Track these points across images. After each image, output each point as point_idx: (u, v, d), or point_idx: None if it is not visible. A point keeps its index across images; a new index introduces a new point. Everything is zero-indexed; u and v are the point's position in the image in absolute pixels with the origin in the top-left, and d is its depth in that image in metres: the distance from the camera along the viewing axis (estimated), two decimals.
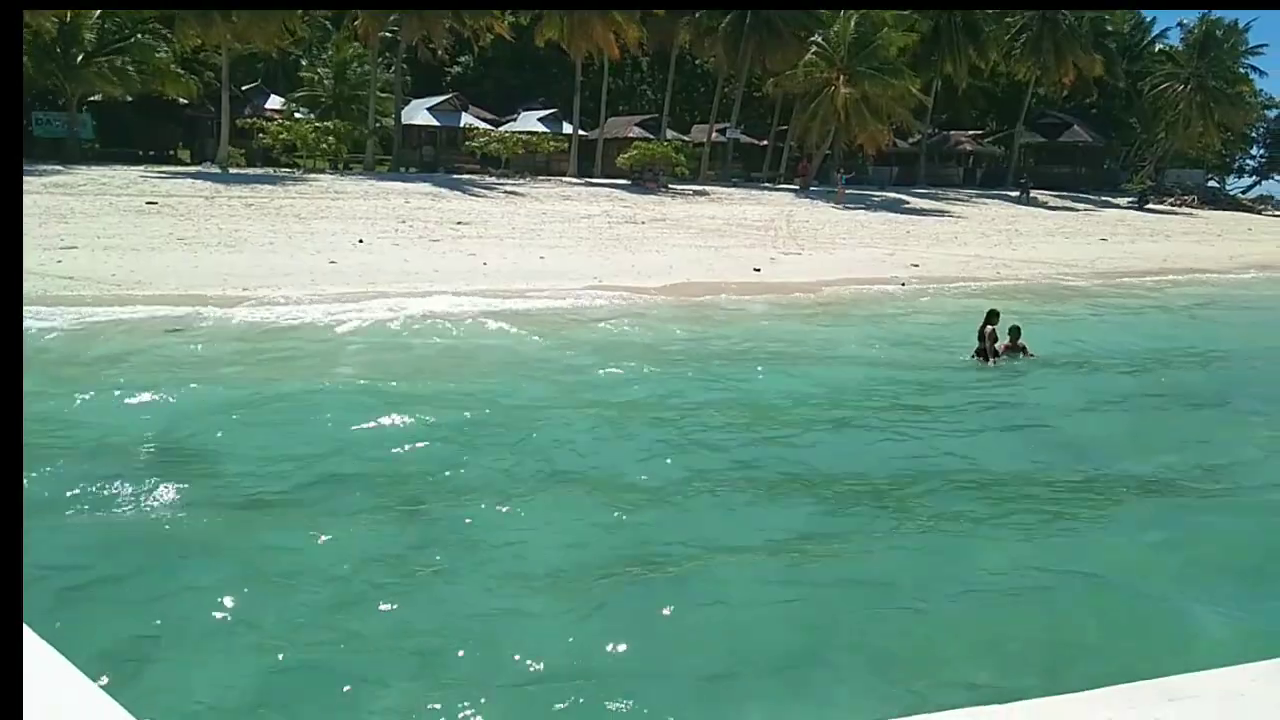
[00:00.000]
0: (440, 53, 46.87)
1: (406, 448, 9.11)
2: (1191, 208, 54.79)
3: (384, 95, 44.76)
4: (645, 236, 28.70)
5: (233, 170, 37.29)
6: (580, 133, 47.82)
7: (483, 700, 5.03)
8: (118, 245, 20.56)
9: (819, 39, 45.63)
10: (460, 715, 4.91)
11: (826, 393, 12.26)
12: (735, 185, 46.51)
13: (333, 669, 5.36)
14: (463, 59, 58.49)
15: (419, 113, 50.26)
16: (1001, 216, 41.68)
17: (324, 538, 7.02)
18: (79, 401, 10.03)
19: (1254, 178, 78.11)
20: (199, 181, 31.89)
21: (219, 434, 9.30)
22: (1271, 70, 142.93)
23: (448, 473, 8.54)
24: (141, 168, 36.02)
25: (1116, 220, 44.64)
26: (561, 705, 5.08)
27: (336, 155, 42.19)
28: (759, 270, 23.62)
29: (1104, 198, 54.45)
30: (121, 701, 1.54)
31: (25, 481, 7.25)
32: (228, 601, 5.97)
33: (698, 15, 46.84)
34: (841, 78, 44.21)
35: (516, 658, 5.47)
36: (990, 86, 57.48)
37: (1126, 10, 61.84)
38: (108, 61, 38.52)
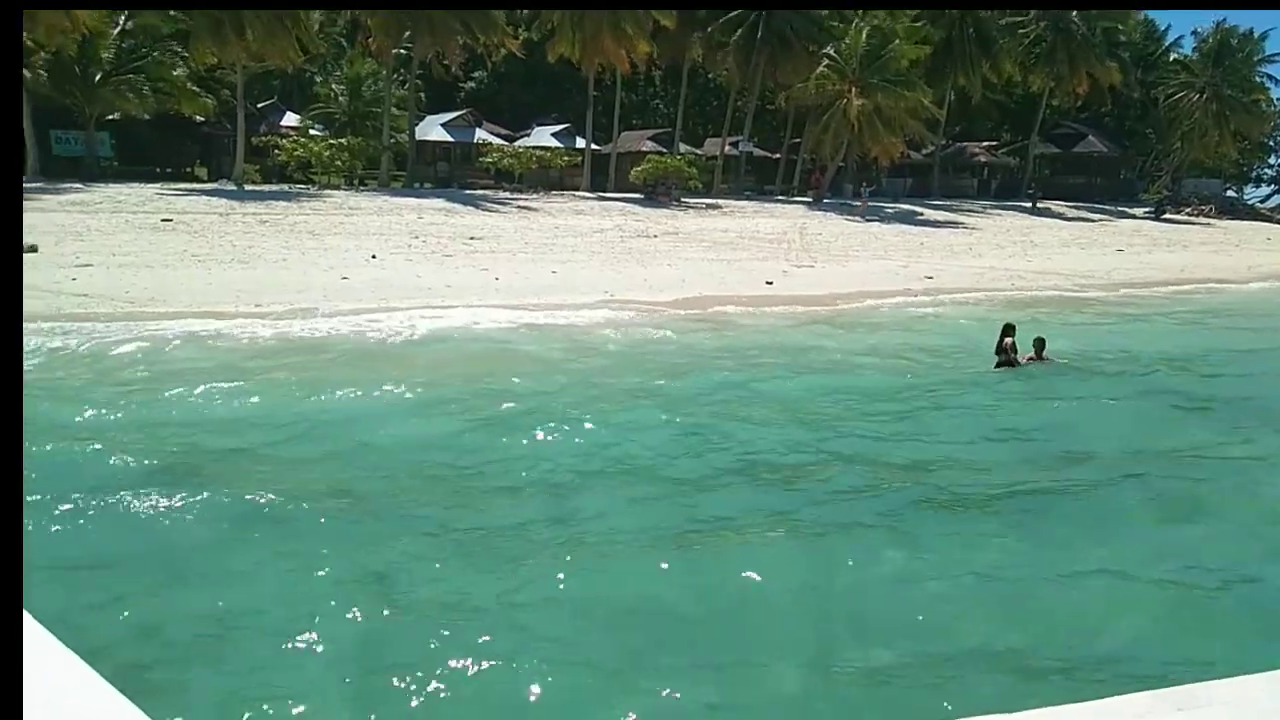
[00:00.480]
0: (454, 69, 47.18)
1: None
2: (1209, 218, 54.40)
3: (398, 112, 45.05)
4: (657, 250, 28.70)
5: (248, 187, 37.59)
6: (593, 147, 47.99)
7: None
8: (132, 262, 20.69)
9: (831, 51, 45.64)
10: None
11: (843, 401, 12.22)
12: (748, 198, 46.54)
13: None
14: (476, 75, 58.84)
15: (433, 129, 50.54)
16: (1016, 228, 41.49)
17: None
18: (116, 416, 10.08)
19: (1272, 187, 77.63)
20: (214, 199, 32.14)
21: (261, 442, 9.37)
22: None
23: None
24: (158, 185, 36.34)
25: (1133, 231, 44.36)
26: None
27: (351, 171, 42.48)
28: (771, 283, 23.55)
29: (1120, 208, 54.15)
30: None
31: (46, 496, 7.30)
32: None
33: (709, 30, 46.94)
34: (854, 90, 44.20)
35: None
36: (1004, 98, 57.37)
37: (1136, 13, 61.46)
38: (125, 80, 38.95)
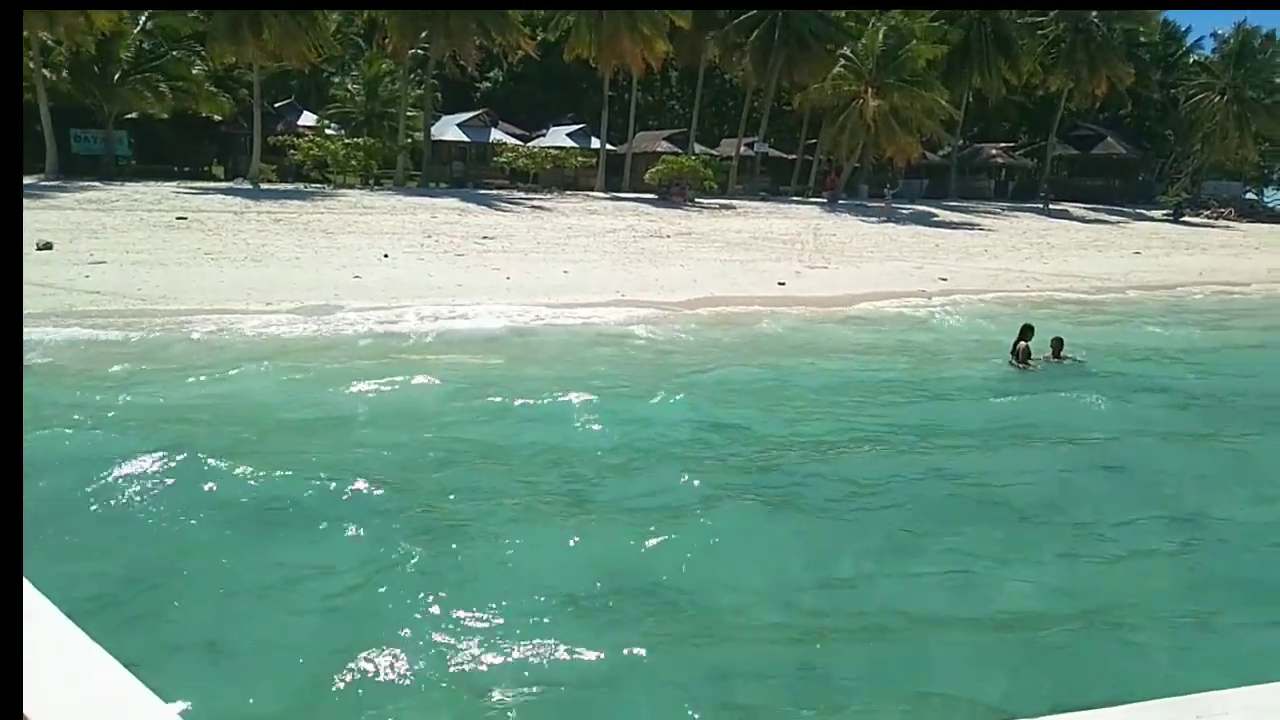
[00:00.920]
0: (470, 69, 47.27)
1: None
2: (1228, 220, 53.88)
3: (414, 111, 45.16)
4: (670, 250, 28.64)
5: (264, 186, 37.75)
6: (609, 148, 47.98)
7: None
8: (146, 260, 20.80)
9: (847, 51, 45.48)
10: None
11: (847, 399, 12.14)
12: (763, 199, 46.40)
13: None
14: (491, 75, 58.95)
15: (449, 128, 50.63)
16: (1033, 230, 41.20)
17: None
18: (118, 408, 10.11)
19: None
20: (229, 197, 32.31)
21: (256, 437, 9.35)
22: None
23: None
24: (175, 184, 36.56)
25: (1151, 233, 43.97)
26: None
27: (367, 171, 42.63)
28: (784, 284, 23.45)
29: (1138, 210, 53.69)
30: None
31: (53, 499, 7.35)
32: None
33: (726, 30, 46.84)
34: (870, 90, 44.04)
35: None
36: (1022, 99, 57.00)
37: (1156, 14, 60.94)
38: (143, 79, 39.21)
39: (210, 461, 8.30)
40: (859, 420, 11.60)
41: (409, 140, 44.10)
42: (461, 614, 6.01)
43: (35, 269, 18.27)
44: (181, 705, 4.73)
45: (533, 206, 36.83)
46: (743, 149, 51.04)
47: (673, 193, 42.42)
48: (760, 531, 7.87)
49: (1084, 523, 8.43)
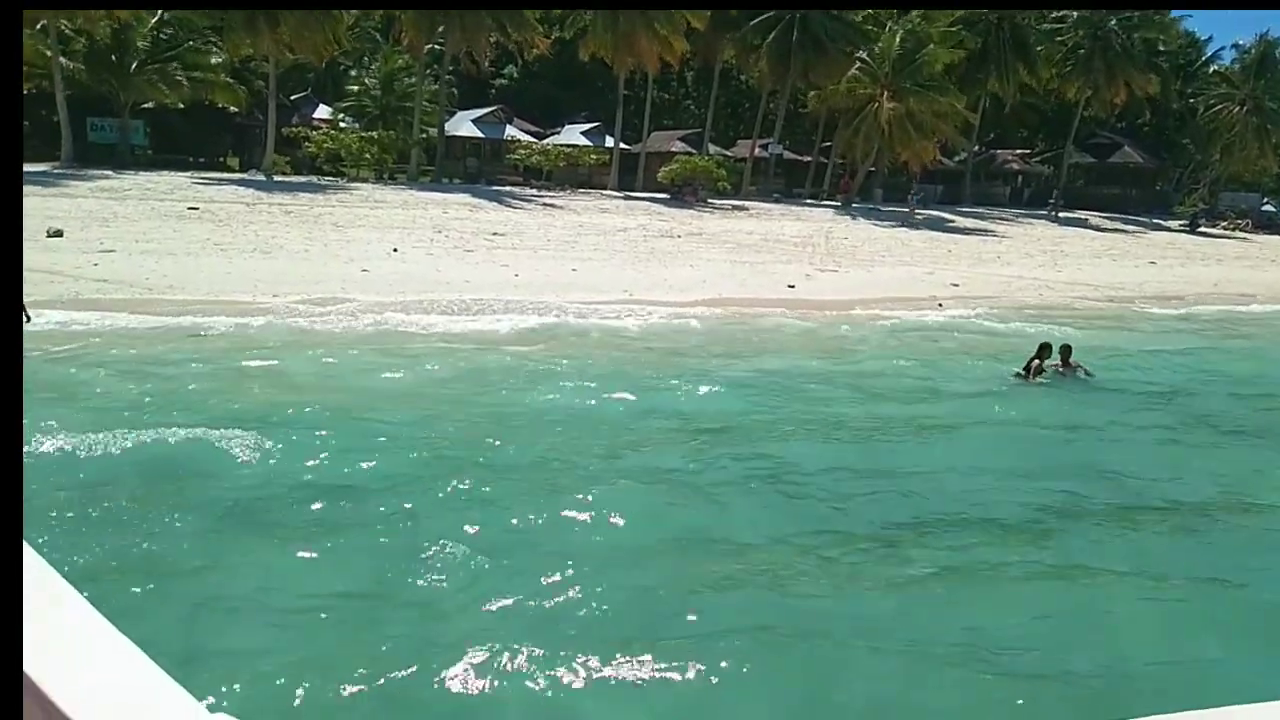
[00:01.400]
0: (486, 65, 47.27)
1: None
2: (1245, 232, 53.45)
3: (430, 106, 45.19)
4: (680, 250, 28.55)
5: (277, 178, 37.83)
6: (623, 146, 47.91)
7: None
8: (155, 249, 20.84)
9: (864, 55, 45.30)
10: None
11: (850, 406, 12.03)
12: (776, 201, 46.23)
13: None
14: (506, 71, 58.97)
15: (464, 124, 50.67)
16: (1047, 237, 40.94)
17: None
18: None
19: None
20: (241, 188, 32.38)
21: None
22: None
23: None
24: (189, 174, 36.67)
25: (1166, 243, 43.62)
26: None
27: (381, 165, 42.68)
28: (793, 287, 23.33)
29: (1155, 220, 53.30)
30: None
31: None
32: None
33: (743, 31, 46.67)
34: (886, 94, 43.85)
35: None
36: (1039, 104, 56.68)
37: (1176, 23, 60.63)
38: (160, 69, 39.36)
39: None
40: (850, 426, 11.50)
41: (423, 135, 44.13)
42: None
43: (44, 256, 18.33)
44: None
45: (544, 204, 36.80)
46: (757, 150, 50.91)
47: (685, 193, 42.32)
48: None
49: (1076, 534, 8.35)
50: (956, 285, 25.77)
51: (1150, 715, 1.55)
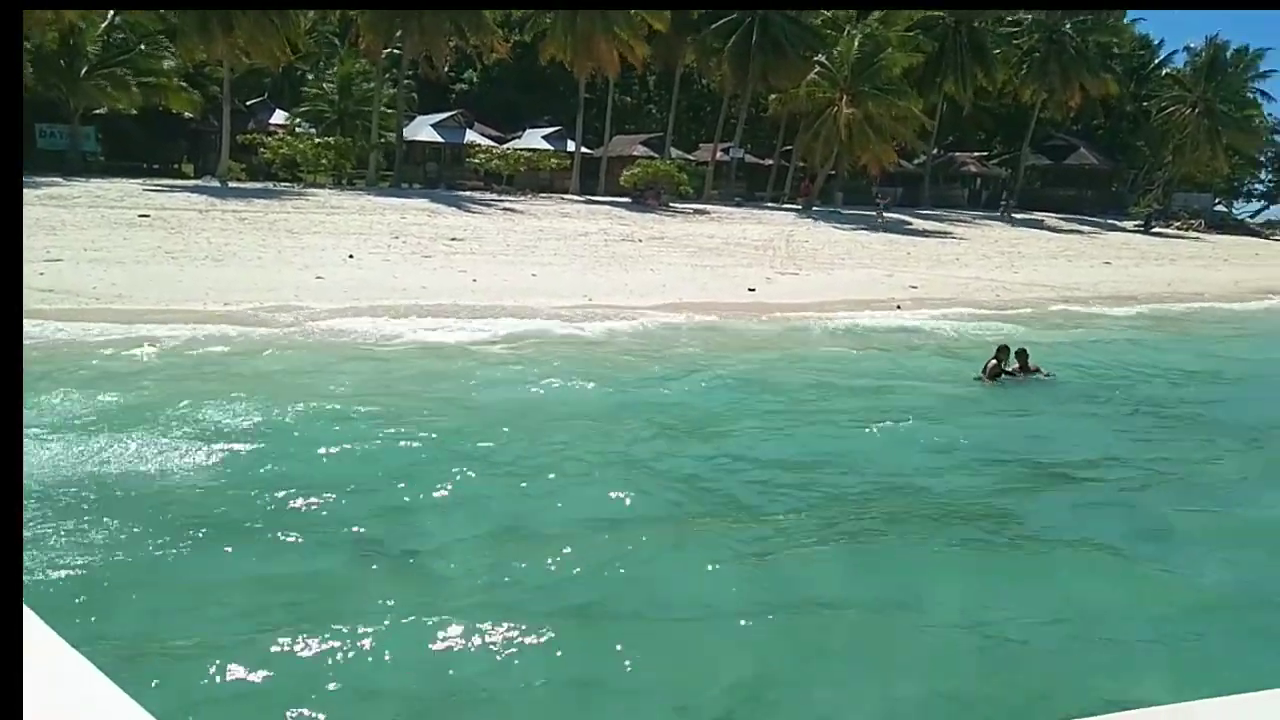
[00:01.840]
0: (445, 69, 46.94)
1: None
2: (1198, 232, 54.41)
3: (388, 111, 44.76)
4: (641, 255, 28.48)
5: (233, 185, 37.26)
6: (585, 151, 47.77)
7: None
8: (104, 258, 20.38)
9: (823, 58, 45.54)
10: None
11: (808, 411, 12.01)
12: (738, 205, 46.31)
13: None
14: (466, 76, 58.62)
15: (423, 129, 50.25)
16: (1004, 239, 41.36)
17: None
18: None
19: (1262, 202, 77.68)
20: (195, 195, 31.84)
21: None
22: None
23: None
24: (141, 181, 36.02)
25: (1121, 244, 44.26)
26: None
27: (340, 171, 42.20)
28: (754, 290, 23.34)
29: (1110, 220, 54.07)
30: None
31: None
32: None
33: (703, 34, 46.74)
34: (845, 98, 44.12)
35: None
36: (996, 107, 57.33)
37: (1131, 27, 61.61)
38: (110, 74, 38.61)
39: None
40: (802, 426, 11.49)
41: (382, 140, 43.70)
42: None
43: None
44: None
45: (504, 209, 36.57)
46: (719, 154, 51.00)
47: (647, 196, 42.27)
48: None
49: (1036, 535, 8.37)
50: (915, 287, 25.92)
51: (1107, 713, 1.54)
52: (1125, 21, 61.22)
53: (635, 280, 23.56)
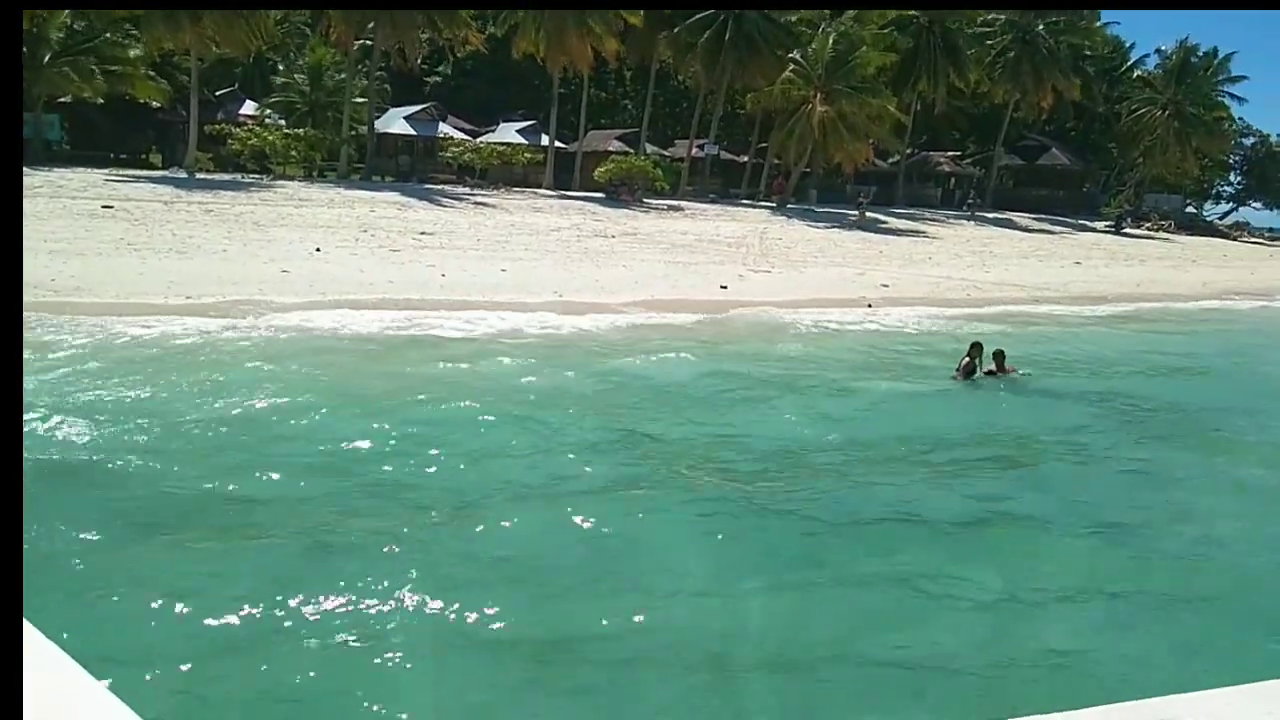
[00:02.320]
0: (419, 61, 46.49)
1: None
2: (1168, 233, 54.94)
3: (360, 102, 44.27)
4: (614, 251, 28.30)
5: (200, 176, 36.71)
6: (559, 145, 47.47)
7: None
8: (63, 250, 19.94)
9: (797, 56, 45.50)
10: None
11: (781, 413, 11.92)
12: (712, 201, 46.18)
13: None
14: (440, 69, 58.13)
15: (395, 121, 49.75)
16: (976, 238, 41.52)
17: None
18: None
19: (1231, 204, 78.60)
20: (160, 186, 31.33)
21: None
22: (1251, 96, 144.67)
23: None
24: (106, 171, 35.40)
25: (1092, 244, 44.58)
26: None
27: (310, 163, 41.68)
28: (726, 288, 23.25)
29: (1082, 221, 54.46)
30: None
31: None
32: None
33: (677, 30, 46.52)
34: (819, 96, 44.11)
35: None
36: (970, 107, 57.57)
37: (1102, 29, 62.01)
38: (74, 62, 37.86)
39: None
40: (768, 426, 11.41)
41: (353, 132, 43.20)
42: None
43: None
44: None
45: (476, 203, 36.26)
46: (694, 150, 50.84)
47: (621, 192, 42.06)
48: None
49: (1009, 535, 8.36)
50: (887, 286, 25.93)
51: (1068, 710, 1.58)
52: (1097, 24, 61.60)
53: (607, 276, 23.40)
